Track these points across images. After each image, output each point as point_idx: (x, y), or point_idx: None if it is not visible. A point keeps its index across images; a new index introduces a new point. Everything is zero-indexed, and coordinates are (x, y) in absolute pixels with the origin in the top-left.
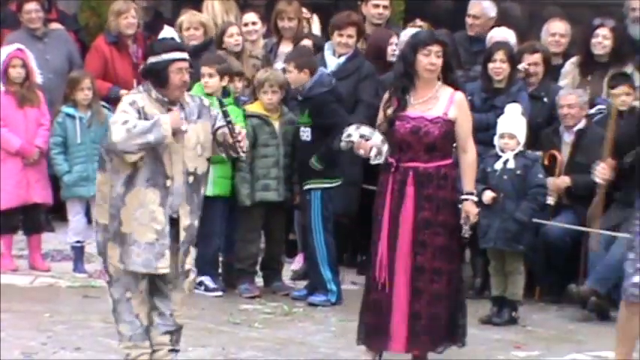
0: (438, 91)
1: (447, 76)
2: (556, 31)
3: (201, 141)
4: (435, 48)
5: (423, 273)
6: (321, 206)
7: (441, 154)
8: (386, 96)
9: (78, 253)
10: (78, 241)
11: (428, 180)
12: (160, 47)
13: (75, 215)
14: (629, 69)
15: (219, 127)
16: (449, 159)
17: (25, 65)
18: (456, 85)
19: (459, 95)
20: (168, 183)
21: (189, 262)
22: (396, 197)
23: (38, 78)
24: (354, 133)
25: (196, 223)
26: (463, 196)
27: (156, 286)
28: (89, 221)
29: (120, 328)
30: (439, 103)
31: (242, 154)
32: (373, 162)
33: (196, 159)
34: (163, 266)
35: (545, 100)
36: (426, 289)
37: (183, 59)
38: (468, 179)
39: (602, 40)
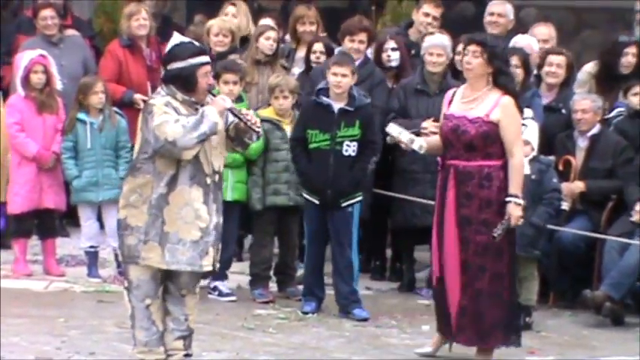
0: (485, 93)
1: (498, 80)
2: (540, 37)
3: (220, 140)
4: (472, 48)
5: (468, 269)
6: (358, 221)
7: (482, 154)
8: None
9: (92, 258)
10: (91, 246)
11: (468, 178)
12: (185, 52)
13: (87, 220)
14: None
15: (231, 123)
16: (495, 160)
17: (46, 71)
18: (506, 89)
19: (506, 99)
20: (208, 180)
21: (217, 261)
22: (442, 194)
23: (58, 84)
24: (397, 129)
25: (221, 221)
26: (507, 198)
27: (168, 290)
28: (102, 226)
29: (136, 333)
30: (483, 104)
31: (258, 130)
32: (416, 149)
33: (219, 157)
34: (208, 264)
35: (563, 111)
36: (471, 284)
37: (208, 62)
38: (513, 181)
39: (632, 59)
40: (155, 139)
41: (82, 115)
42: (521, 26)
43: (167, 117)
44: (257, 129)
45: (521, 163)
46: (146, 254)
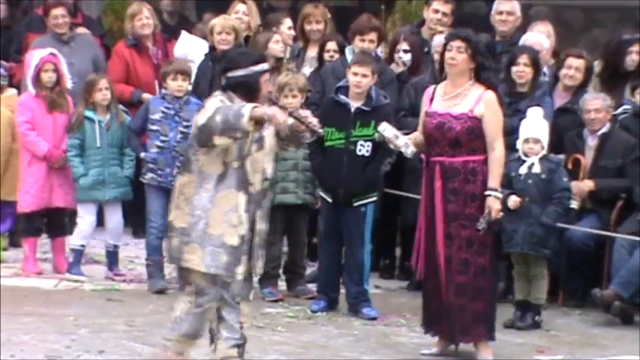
0: (468, 88)
1: (480, 75)
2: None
3: (271, 144)
4: (457, 44)
5: (451, 264)
6: (372, 220)
7: (467, 150)
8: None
9: (78, 255)
10: (82, 245)
11: (454, 174)
12: (247, 59)
13: (88, 219)
14: None
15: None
16: (479, 155)
17: (56, 70)
18: (488, 84)
19: (489, 94)
20: (251, 189)
21: (260, 268)
22: (429, 191)
23: (69, 83)
24: (388, 128)
25: (266, 227)
26: (486, 192)
27: (222, 297)
28: (99, 224)
29: (182, 325)
30: (466, 100)
31: (320, 131)
32: (407, 154)
33: (270, 163)
34: (241, 272)
35: (579, 113)
36: (452, 280)
37: (269, 70)
38: (493, 175)
39: (636, 57)
40: (196, 127)
41: (89, 114)
42: (531, 24)
43: (214, 106)
44: (319, 130)
45: (501, 157)
46: (188, 256)
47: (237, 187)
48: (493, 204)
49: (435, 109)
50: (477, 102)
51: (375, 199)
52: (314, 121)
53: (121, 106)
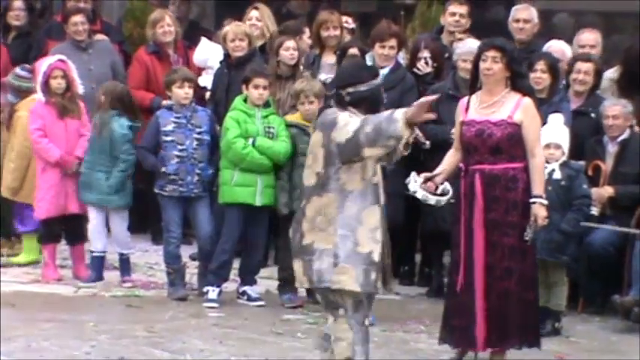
0: (504, 96)
1: (516, 83)
2: (585, 42)
3: None
4: (492, 53)
5: (494, 272)
6: None
7: (507, 157)
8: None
9: (98, 262)
10: (94, 250)
11: (495, 181)
12: (368, 73)
13: (90, 220)
14: None
15: None
16: (519, 162)
17: (65, 76)
18: (525, 91)
19: (527, 100)
20: (382, 202)
21: (393, 281)
22: (468, 200)
23: (80, 89)
24: (418, 190)
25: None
26: (532, 199)
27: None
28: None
29: (357, 353)
30: (504, 107)
31: (427, 142)
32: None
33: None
34: (380, 286)
35: (593, 115)
36: (496, 287)
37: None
38: (536, 182)
39: None
40: (338, 143)
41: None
42: (553, 32)
43: (351, 120)
44: (426, 142)
45: (542, 163)
46: (338, 277)
47: (375, 202)
48: (539, 211)
49: (473, 118)
50: (516, 108)
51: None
52: (420, 133)
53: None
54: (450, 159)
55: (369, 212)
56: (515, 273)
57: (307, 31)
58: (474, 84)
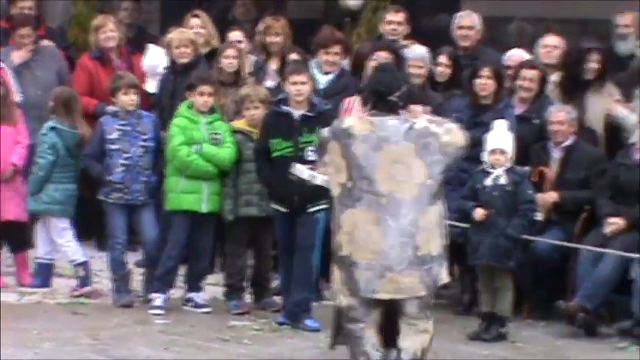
0: None
1: None
2: (548, 43)
3: None
4: (383, 55)
5: None
6: (323, 229)
7: None
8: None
9: (45, 269)
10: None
11: None
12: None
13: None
14: (609, 86)
15: None
16: None
17: (2, 83)
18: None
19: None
20: None
21: None
22: None
23: (17, 96)
24: (303, 170)
25: None
26: None
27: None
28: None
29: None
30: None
31: None
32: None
33: None
34: None
35: (536, 121)
36: None
37: None
38: None
39: (596, 65)
40: (460, 147)
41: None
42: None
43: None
44: None
45: None
46: (443, 275)
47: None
48: None
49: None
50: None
51: (326, 206)
52: None
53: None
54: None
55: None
56: None
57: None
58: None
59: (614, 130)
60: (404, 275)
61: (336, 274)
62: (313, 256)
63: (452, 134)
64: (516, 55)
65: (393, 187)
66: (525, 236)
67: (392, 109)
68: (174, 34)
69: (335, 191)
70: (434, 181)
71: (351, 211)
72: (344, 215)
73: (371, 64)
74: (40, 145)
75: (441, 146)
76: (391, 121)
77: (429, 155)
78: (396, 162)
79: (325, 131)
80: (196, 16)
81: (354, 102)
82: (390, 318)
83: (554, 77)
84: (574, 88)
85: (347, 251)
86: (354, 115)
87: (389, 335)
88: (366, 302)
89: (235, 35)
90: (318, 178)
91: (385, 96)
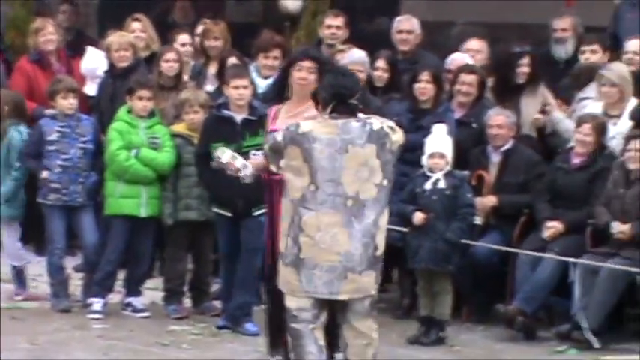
0: (309, 107)
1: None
2: (471, 47)
3: None
4: (307, 64)
5: None
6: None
7: None
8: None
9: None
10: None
11: None
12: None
13: None
14: (543, 90)
15: None
16: None
17: None
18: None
19: None
20: None
21: None
22: (276, 207)
23: None
24: (226, 152)
25: None
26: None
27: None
28: None
29: None
30: (309, 115)
31: None
32: (246, 177)
33: None
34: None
35: (474, 125)
36: None
37: None
38: None
39: (526, 69)
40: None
41: None
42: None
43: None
44: None
45: None
46: None
47: None
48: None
49: (281, 127)
50: None
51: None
52: None
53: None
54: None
55: None
56: None
57: (181, 38)
58: (281, 92)
59: (544, 134)
60: (363, 275)
61: (289, 276)
62: (257, 259)
63: (397, 133)
64: (458, 59)
65: (357, 189)
66: (465, 240)
67: (352, 111)
68: (114, 38)
69: (294, 195)
70: (388, 181)
71: (314, 214)
72: (306, 218)
73: (296, 73)
74: (12, 150)
75: (392, 145)
76: (354, 124)
77: (384, 155)
78: (361, 164)
79: (278, 136)
80: (137, 19)
81: (278, 110)
82: (332, 318)
83: (489, 82)
84: (507, 92)
85: (309, 254)
86: (308, 119)
87: (331, 336)
88: (319, 304)
89: (183, 39)
90: (240, 161)
91: (347, 99)
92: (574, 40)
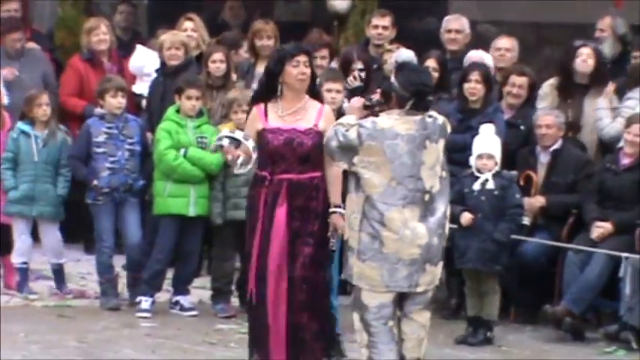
0: (307, 103)
1: (313, 89)
2: (501, 45)
3: None
4: (303, 58)
5: (293, 283)
6: None
7: (312, 166)
8: (254, 111)
9: (23, 274)
10: (24, 262)
11: (301, 191)
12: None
13: (20, 235)
14: (607, 90)
15: None
16: (320, 171)
17: None
18: (320, 98)
19: (327, 108)
20: None
21: None
22: (269, 210)
23: (5, 99)
24: (225, 137)
25: None
26: (331, 209)
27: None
28: (36, 240)
29: None
30: (308, 114)
31: None
32: (237, 171)
33: None
34: None
35: (522, 127)
36: (294, 298)
37: None
38: (335, 192)
39: (587, 59)
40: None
41: (26, 128)
42: (480, 42)
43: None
44: None
45: (339, 173)
46: None
47: None
48: (339, 221)
49: (277, 125)
50: (319, 116)
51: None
52: None
53: (61, 126)
54: None
55: None
56: (310, 284)
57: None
58: (274, 90)
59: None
60: (438, 266)
61: (369, 272)
62: None
63: (448, 125)
64: (474, 56)
65: (432, 183)
66: (515, 236)
67: (426, 108)
68: (167, 36)
69: (371, 190)
70: (446, 172)
71: (397, 209)
72: (388, 213)
73: (294, 69)
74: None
75: (445, 137)
76: (427, 119)
77: (444, 148)
78: (436, 159)
79: (351, 133)
80: (190, 19)
81: (264, 108)
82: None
83: (552, 81)
84: (569, 89)
85: (393, 248)
86: (382, 116)
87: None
88: (396, 299)
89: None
90: (239, 134)
91: (426, 96)
92: (612, 41)
